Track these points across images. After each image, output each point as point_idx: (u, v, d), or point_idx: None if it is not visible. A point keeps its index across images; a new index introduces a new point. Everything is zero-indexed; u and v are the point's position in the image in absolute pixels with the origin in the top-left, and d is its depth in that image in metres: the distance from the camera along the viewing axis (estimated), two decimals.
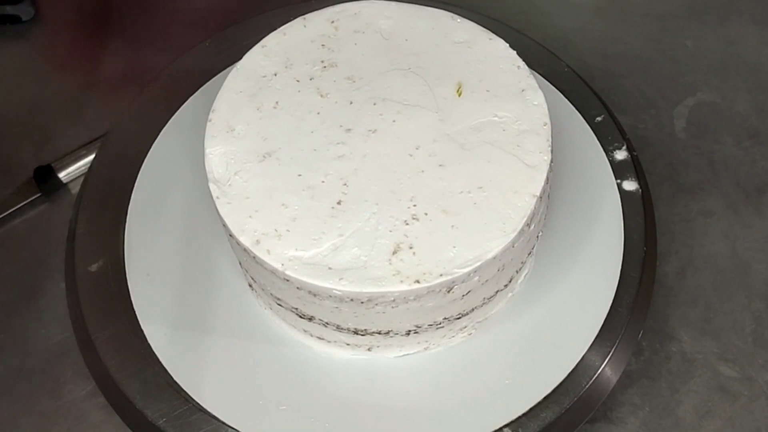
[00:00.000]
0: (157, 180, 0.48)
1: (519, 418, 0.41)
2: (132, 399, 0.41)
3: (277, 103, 0.42)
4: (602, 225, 0.46)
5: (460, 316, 0.41)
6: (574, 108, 0.51)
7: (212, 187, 0.40)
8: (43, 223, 0.58)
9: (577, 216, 0.47)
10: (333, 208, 0.39)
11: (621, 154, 0.49)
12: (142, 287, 0.44)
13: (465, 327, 0.43)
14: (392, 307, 0.38)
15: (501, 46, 0.44)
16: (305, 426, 0.40)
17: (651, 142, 0.58)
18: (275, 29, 0.45)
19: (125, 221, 0.47)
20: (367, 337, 0.41)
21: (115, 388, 0.42)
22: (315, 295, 0.38)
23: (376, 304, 0.38)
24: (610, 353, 0.43)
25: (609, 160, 0.49)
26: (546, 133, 0.40)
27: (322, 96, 0.42)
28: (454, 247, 0.38)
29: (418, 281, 0.37)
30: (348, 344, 0.42)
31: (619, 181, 0.48)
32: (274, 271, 0.38)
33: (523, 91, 0.42)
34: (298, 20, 0.45)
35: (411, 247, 0.38)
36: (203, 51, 0.53)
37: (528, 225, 0.39)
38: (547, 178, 0.40)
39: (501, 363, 0.43)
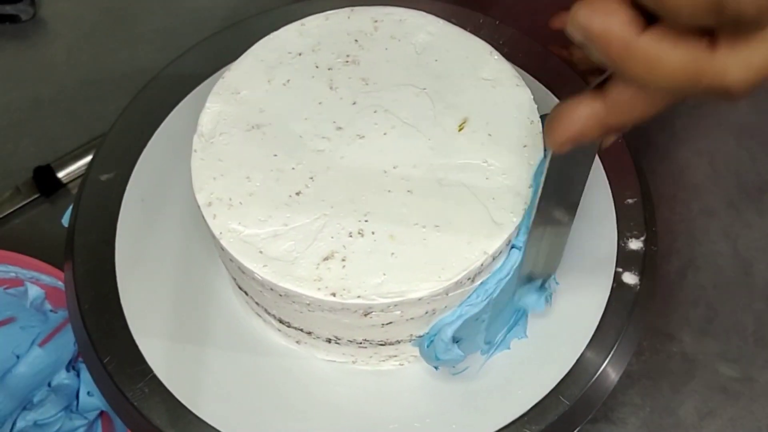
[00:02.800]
0: (148, 185, 0.48)
1: (519, 419, 0.40)
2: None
3: (288, 81, 0.42)
4: (596, 227, 0.46)
5: (384, 343, 0.41)
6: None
7: (196, 139, 0.41)
8: (42, 223, 0.58)
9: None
10: (290, 197, 0.39)
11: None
12: (134, 295, 0.44)
13: (396, 356, 0.42)
14: (309, 310, 0.38)
15: (524, 96, 0.42)
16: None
17: (652, 141, 0.58)
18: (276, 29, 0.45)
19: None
20: (292, 330, 0.41)
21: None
22: (243, 273, 0.38)
23: (294, 302, 0.38)
24: (611, 353, 0.43)
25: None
26: (527, 196, 0.38)
27: (331, 88, 0.42)
28: (384, 274, 0.36)
29: (333, 294, 0.36)
30: (279, 330, 0.43)
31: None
32: (213, 236, 0.38)
33: (525, 146, 0.40)
34: (345, 10, 0.44)
35: (344, 260, 0.37)
36: (203, 50, 0.53)
37: (470, 279, 0.37)
38: (509, 239, 0.38)
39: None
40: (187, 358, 0.43)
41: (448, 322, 0.39)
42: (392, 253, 0.37)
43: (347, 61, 0.43)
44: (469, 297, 0.38)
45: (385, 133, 0.40)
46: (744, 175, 0.57)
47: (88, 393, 0.49)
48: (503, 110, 0.41)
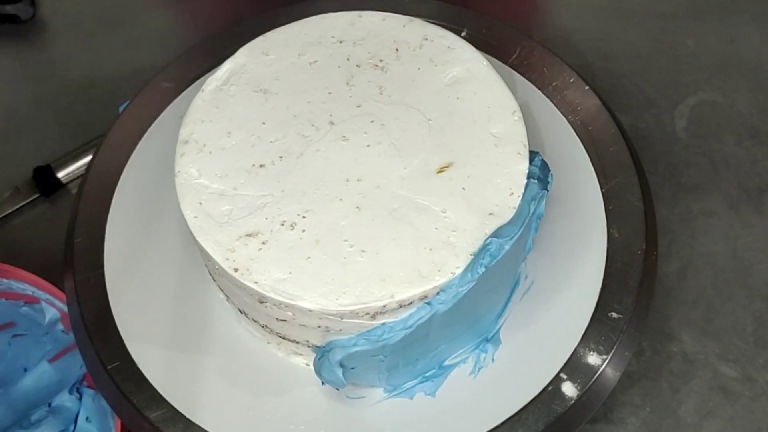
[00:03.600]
0: (141, 188, 0.48)
1: (518, 419, 0.40)
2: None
3: (315, 61, 0.43)
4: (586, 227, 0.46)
5: (284, 337, 0.41)
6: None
7: (195, 103, 0.42)
8: (42, 223, 0.58)
9: (563, 224, 0.46)
10: (253, 166, 0.39)
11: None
12: (125, 306, 0.45)
13: (301, 355, 0.42)
14: (221, 276, 0.39)
15: (520, 166, 0.40)
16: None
17: (652, 141, 0.58)
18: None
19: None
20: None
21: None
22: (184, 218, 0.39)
23: (212, 264, 0.38)
24: (611, 353, 0.43)
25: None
26: (462, 263, 0.37)
27: (347, 84, 0.42)
28: (290, 273, 0.36)
29: (236, 270, 0.37)
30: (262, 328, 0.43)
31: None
32: (174, 175, 0.40)
33: (490, 214, 0.38)
34: (404, 18, 0.44)
35: (264, 243, 0.37)
36: (204, 49, 0.53)
37: (368, 314, 0.36)
38: (425, 295, 0.37)
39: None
40: (182, 365, 0.43)
41: (341, 345, 0.38)
42: (308, 258, 0.37)
43: (377, 65, 0.43)
44: (368, 331, 0.37)
45: (368, 145, 0.40)
46: (744, 175, 0.57)
47: (87, 419, 0.49)
48: (491, 171, 0.39)
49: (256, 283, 0.36)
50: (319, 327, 0.38)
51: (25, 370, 0.50)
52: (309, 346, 0.41)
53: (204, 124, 0.41)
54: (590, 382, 0.42)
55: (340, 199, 0.39)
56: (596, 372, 0.42)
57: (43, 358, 0.50)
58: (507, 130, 0.41)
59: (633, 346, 0.45)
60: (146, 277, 0.45)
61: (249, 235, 0.38)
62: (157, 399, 0.42)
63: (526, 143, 0.40)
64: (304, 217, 0.38)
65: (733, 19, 0.64)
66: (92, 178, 0.49)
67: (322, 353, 0.39)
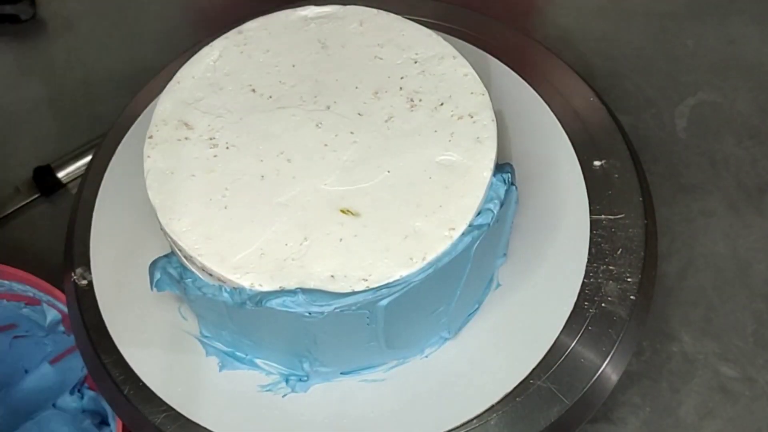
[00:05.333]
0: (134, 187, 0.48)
1: (518, 418, 0.40)
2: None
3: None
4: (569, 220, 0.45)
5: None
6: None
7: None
8: (42, 223, 0.58)
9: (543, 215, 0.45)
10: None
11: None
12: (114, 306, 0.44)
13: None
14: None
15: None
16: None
17: (652, 141, 0.58)
18: None
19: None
20: None
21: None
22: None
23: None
24: (611, 353, 0.43)
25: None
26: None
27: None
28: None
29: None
30: None
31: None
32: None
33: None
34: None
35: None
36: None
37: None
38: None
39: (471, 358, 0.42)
40: (180, 364, 0.43)
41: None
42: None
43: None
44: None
45: (351, 132, 0.40)
46: (744, 175, 0.57)
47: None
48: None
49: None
50: None
51: (26, 371, 0.50)
52: None
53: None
54: (590, 382, 0.42)
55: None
56: (596, 372, 0.42)
57: (44, 359, 0.50)
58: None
59: (633, 346, 0.45)
60: (143, 278, 0.45)
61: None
62: (157, 399, 0.42)
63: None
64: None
65: (733, 19, 0.64)
66: (92, 178, 0.49)
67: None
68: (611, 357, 0.42)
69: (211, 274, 0.37)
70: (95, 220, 0.47)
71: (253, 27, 0.44)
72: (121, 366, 0.42)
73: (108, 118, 0.51)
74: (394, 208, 0.37)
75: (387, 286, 0.36)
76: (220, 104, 0.41)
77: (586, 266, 0.43)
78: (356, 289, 0.36)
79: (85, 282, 0.45)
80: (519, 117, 0.47)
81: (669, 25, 0.64)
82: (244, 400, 0.42)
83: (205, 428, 0.41)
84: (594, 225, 0.45)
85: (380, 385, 0.42)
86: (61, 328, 0.50)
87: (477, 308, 0.43)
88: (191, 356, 0.43)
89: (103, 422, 0.50)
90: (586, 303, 0.43)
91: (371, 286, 0.36)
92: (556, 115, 0.48)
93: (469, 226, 0.37)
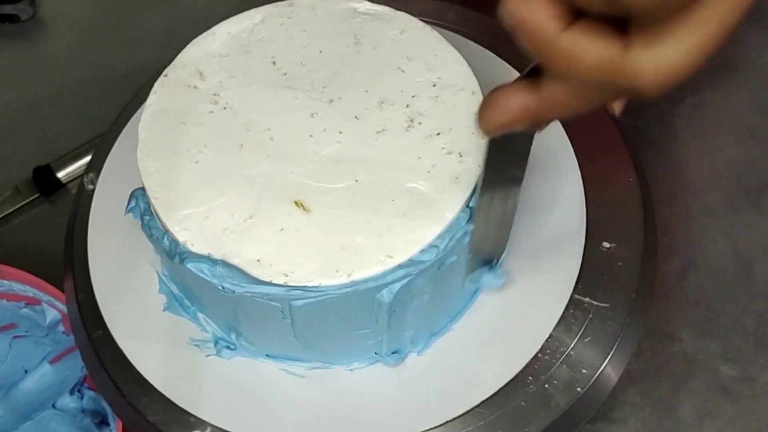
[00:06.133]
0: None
1: (517, 417, 0.40)
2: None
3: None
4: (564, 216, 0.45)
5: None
6: None
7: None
8: (42, 223, 0.58)
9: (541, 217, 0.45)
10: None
11: None
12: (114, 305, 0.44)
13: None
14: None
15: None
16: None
17: (652, 141, 0.58)
18: None
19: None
20: None
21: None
22: None
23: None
24: (611, 353, 0.43)
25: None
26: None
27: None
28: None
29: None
30: None
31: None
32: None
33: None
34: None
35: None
36: None
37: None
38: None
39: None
40: (181, 363, 0.43)
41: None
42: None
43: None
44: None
45: (340, 132, 0.40)
46: (744, 175, 0.57)
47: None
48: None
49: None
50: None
51: (26, 371, 0.50)
52: None
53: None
54: (590, 382, 0.42)
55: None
56: (596, 372, 0.42)
57: (44, 359, 0.50)
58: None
59: (633, 346, 0.45)
60: (143, 277, 0.45)
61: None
62: (157, 399, 0.42)
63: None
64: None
65: None
66: (92, 177, 0.49)
67: None
68: (611, 357, 0.42)
69: (159, 219, 0.38)
70: (94, 220, 0.47)
71: (303, 3, 0.44)
72: (121, 365, 0.42)
73: (108, 118, 0.51)
74: (345, 218, 0.37)
75: (303, 289, 0.35)
76: (239, 66, 0.42)
77: (584, 266, 0.43)
78: (274, 281, 0.35)
79: (91, 187, 0.47)
80: None
81: None
82: (243, 393, 0.42)
83: (207, 422, 0.41)
84: (590, 224, 0.44)
85: (300, 380, 0.41)
86: (61, 328, 0.50)
87: (443, 329, 0.42)
88: (192, 352, 0.43)
89: (103, 422, 0.50)
90: (585, 303, 0.43)
91: (289, 284, 0.35)
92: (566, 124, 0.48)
93: (409, 259, 0.36)
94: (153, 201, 0.38)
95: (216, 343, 0.42)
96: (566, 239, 0.44)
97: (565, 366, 0.42)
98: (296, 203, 0.37)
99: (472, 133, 0.39)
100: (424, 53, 0.42)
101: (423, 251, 0.36)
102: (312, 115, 0.40)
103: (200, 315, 0.42)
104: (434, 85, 0.41)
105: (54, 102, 0.64)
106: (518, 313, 0.43)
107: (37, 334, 0.50)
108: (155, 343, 0.43)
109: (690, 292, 0.52)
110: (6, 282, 0.48)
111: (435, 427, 0.39)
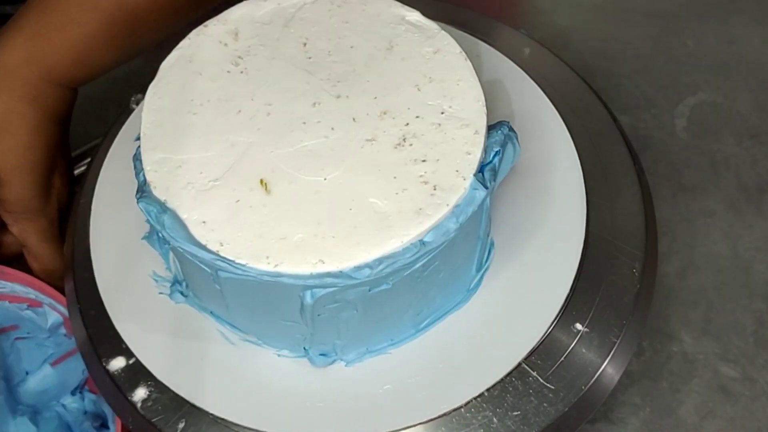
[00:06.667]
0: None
1: (517, 416, 0.41)
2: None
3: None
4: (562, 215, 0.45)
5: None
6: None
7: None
8: None
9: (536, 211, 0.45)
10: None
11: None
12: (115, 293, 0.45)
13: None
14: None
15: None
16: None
17: (652, 141, 0.58)
18: None
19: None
20: None
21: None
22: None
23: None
24: (611, 353, 0.43)
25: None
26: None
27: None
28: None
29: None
30: None
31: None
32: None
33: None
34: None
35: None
36: None
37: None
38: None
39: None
40: (184, 361, 0.43)
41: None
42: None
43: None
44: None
45: (332, 129, 0.39)
46: (744, 175, 0.57)
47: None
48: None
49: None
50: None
51: (27, 372, 0.50)
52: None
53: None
54: (590, 382, 0.42)
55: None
56: (596, 371, 0.42)
57: (45, 361, 0.50)
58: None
59: (633, 346, 0.45)
60: (143, 278, 0.45)
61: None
62: (158, 399, 0.42)
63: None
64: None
65: (733, 19, 0.64)
66: (91, 178, 0.49)
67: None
68: (611, 357, 0.42)
69: (140, 155, 0.39)
70: (94, 220, 0.47)
71: None
72: (122, 365, 0.42)
73: (107, 118, 0.51)
74: (298, 210, 0.37)
75: (230, 263, 0.35)
76: (273, 38, 0.42)
77: (583, 265, 0.43)
78: (208, 247, 0.36)
79: (135, 107, 0.50)
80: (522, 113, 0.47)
81: (669, 25, 0.64)
82: (244, 388, 0.42)
83: (214, 416, 0.41)
84: (590, 224, 0.45)
85: (301, 371, 0.41)
86: (63, 330, 0.50)
87: (382, 350, 0.42)
88: (197, 344, 0.43)
89: (104, 425, 0.50)
90: (585, 302, 0.43)
91: (220, 254, 0.36)
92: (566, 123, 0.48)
93: (339, 270, 0.35)
94: (142, 136, 0.39)
95: (173, 284, 0.43)
96: (565, 239, 0.44)
97: (565, 366, 0.42)
98: (261, 182, 0.37)
99: (457, 171, 0.38)
100: (447, 78, 0.41)
101: (356, 268, 0.35)
102: (314, 104, 0.40)
103: (171, 254, 0.43)
104: (442, 113, 0.40)
105: None
106: (518, 313, 0.43)
107: (39, 336, 0.51)
108: (157, 333, 0.43)
109: (690, 292, 0.52)
110: (8, 283, 0.48)
111: (439, 415, 0.40)
